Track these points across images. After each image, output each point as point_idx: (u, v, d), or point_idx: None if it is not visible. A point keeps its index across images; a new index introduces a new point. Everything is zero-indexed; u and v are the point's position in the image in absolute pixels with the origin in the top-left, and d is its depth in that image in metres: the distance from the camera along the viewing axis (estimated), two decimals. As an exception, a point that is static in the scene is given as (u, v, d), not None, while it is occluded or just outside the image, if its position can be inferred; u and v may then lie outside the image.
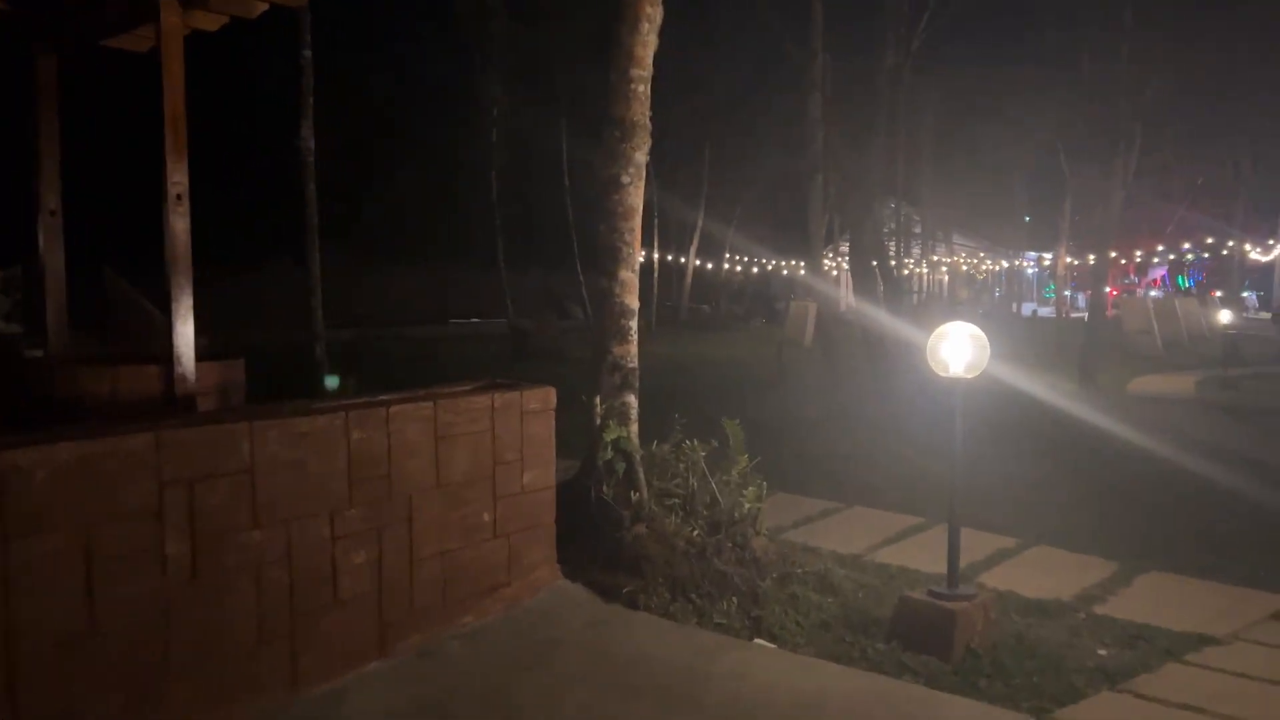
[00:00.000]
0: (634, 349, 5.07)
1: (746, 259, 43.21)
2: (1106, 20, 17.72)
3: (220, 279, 27.32)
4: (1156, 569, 5.62)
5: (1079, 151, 27.68)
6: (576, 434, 5.33)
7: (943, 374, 4.42)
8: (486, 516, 4.30)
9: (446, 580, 4.15)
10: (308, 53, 13.18)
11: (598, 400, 5.12)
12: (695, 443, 5.09)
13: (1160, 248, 33.32)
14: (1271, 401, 14.21)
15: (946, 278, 51.47)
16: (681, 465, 5.04)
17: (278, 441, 3.61)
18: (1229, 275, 39.18)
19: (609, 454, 4.96)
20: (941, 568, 4.56)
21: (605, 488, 4.90)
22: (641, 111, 4.95)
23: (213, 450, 3.44)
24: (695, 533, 4.76)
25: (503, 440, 4.36)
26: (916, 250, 43.22)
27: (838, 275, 37.61)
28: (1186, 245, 31.48)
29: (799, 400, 12.91)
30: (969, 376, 4.39)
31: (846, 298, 25.07)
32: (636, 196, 4.98)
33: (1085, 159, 28.30)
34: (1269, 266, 35.31)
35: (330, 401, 4.07)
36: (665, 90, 7.66)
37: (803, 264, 28.65)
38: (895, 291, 15.88)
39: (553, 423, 4.62)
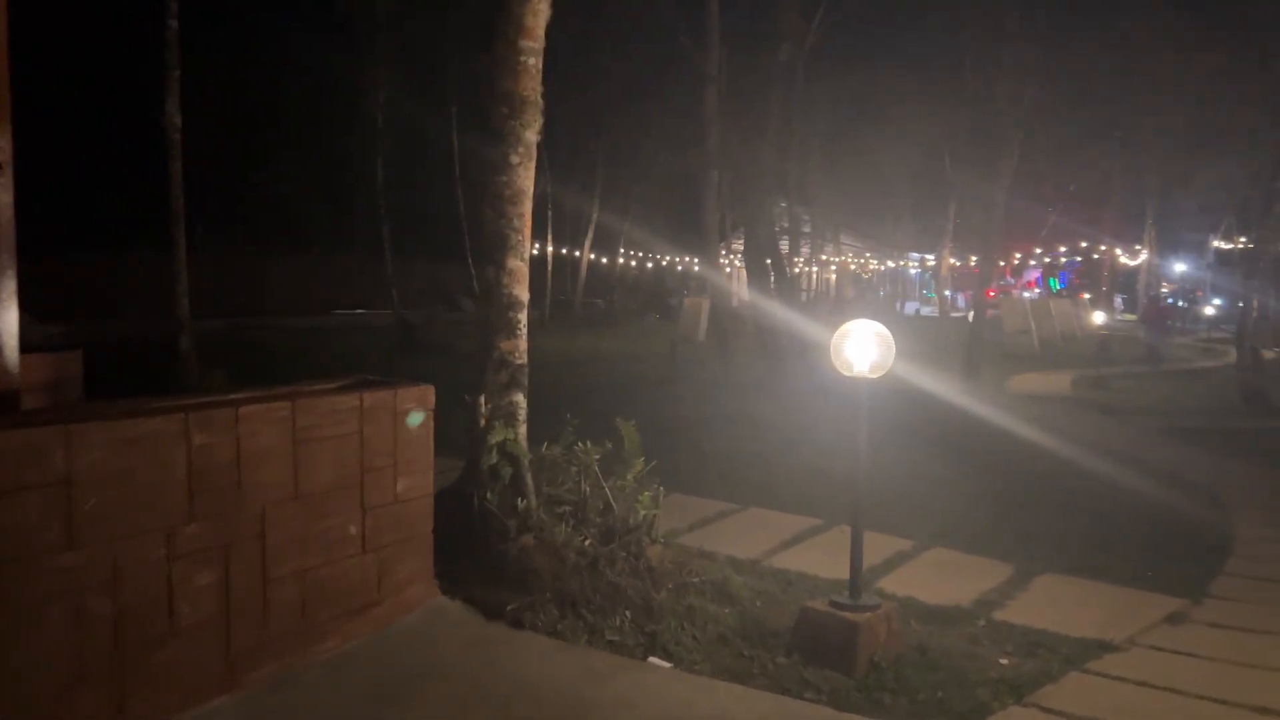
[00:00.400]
0: (523, 344, 4.69)
1: (642, 253, 43.10)
2: (989, 29, 18.15)
3: (83, 264, 25.58)
4: (1051, 571, 5.57)
5: (962, 156, 28.55)
6: (463, 435, 4.93)
7: (846, 373, 4.20)
8: (353, 529, 3.87)
9: (306, 602, 3.71)
10: (174, 23, 12.27)
11: (482, 399, 4.72)
12: (588, 445, 4.74)
13: (1038, 250, 34.71)
14: (1141, 400, 14.79)
15: (834, 277, 52.62)
16: (574, 469, 4.69)
17: (101, 447, 3.10)
18: (1096, 278, 41.18)
19: (494, 458, 4.57)
20: (841, 572, 4.35)
21: (489, 495, 4.52)
22: (531, 86, 4.57)
23: (18, 458, 2.92)
24: (587, 542, 4.42)
25: (373, 444, 3.93)
26: (806, 249, 43.91)
27: (732, 271, 37.85)
28: (1063, 249, 32.87)
29: (695, 398, 12.72)
30: (873, 376, 4.18)
31: (741, 294, 25.15)
32: (526, 179, 4.59)
33: (968, 163, 29.23)
34: (1134, 270, 37.26)
35: (168, 401, 3.56)
36: (559, 81, 7.28)
37: (697, 259, 28.64)
38: (788, 289, 15.90)
39: (431, 424, 4.21)
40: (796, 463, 8.38)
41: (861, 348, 4.16)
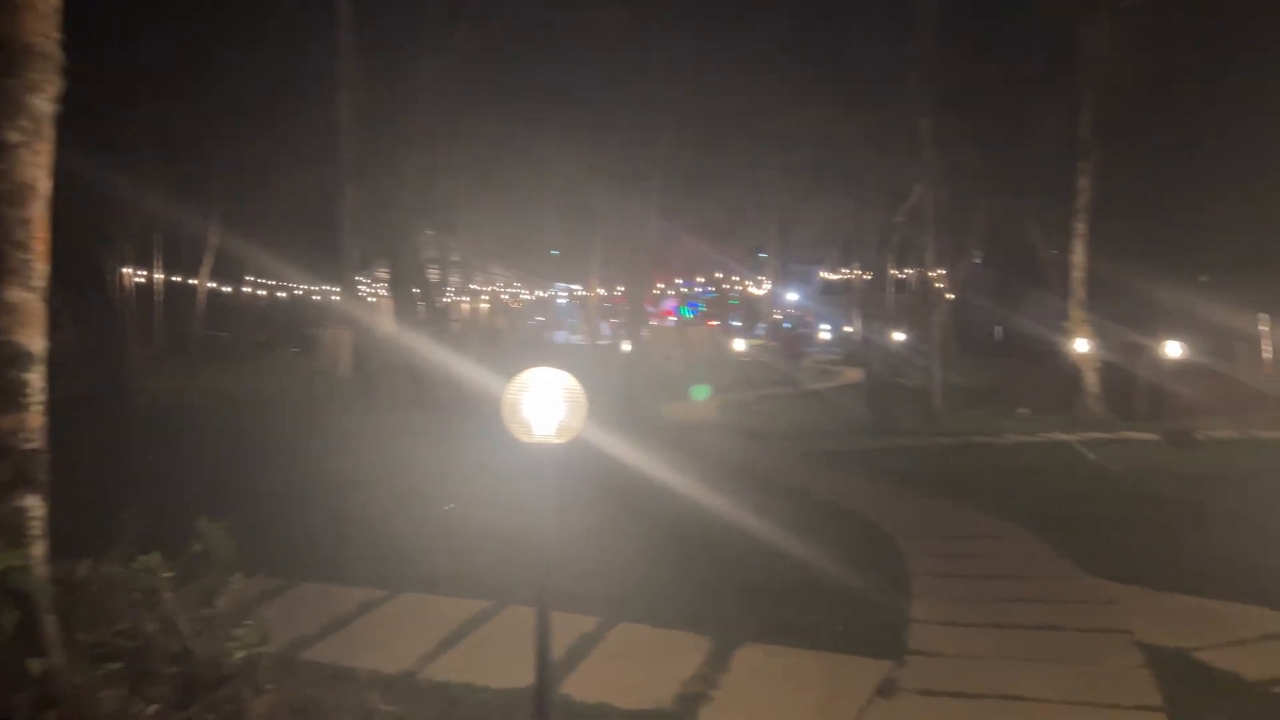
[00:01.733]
0: (34, 419, 3.11)
1: (275, 282, 39.44)
2: (632, 66, 18.36)
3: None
4: (749, 639, 4.94)
5: (608, 188, 29.12)
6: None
7: (526, 439, 3.18)
8: None
9: None
10: None
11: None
12: (157, 556, 3.28)
13: (677, 280, 36.36)
14: (782, 423, 15.41)
15: (485, 307, 52.01)
16: (134, 596, 3.21)
17: None
18: (724, 307, 44.32)
19: (-6, 594, 2.97)
20: (518, 676, 3.34)
21: (-16, 653, 2.91)
22: (41, 29, 3.05)
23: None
24: (153, 709, 2.98)
25: None
26: (456, 278, 42.83)
27: (377, 302, 35.71)
28: (701, 279, 34.64)
29: (335, 449, 11.07)
30: (560, 441, 3.20)
31: (386, 325, 23.47)
32: (34, 168, 3.06)
33: (613, 196, 29.87)
34: (760, 299, 40.55)
35: None
36: (168, 85, 5.61)
37: (338, 288, 26.43)
38: (438, 321, 14.72)
39: None
40: (453, 527, 7.23)
41: (545, 405, 3.16)
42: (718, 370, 26.29)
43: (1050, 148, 24.25)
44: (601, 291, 32.48)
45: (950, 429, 14.37)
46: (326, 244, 16.62)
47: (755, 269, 37.48)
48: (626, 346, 17.41)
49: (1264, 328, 15.97)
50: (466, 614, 5.24)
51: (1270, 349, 15.70)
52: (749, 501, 8.31)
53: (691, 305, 58.78)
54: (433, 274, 24.05)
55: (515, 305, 60.70)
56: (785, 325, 38.79)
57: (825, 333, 36.41)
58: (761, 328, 42.29)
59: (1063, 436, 13.49)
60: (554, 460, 3.20)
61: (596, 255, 27.74)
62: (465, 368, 11.42)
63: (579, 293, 45.58)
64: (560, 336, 48.07)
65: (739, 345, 18.18)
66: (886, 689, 4.33)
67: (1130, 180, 19.54)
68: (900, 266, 33.84)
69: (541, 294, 50.87)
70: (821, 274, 43.19)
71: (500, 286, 49.12)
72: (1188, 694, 4.09)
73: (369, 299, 40.85)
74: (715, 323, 42.76)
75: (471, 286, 44.62)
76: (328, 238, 15.53)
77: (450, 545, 6.62)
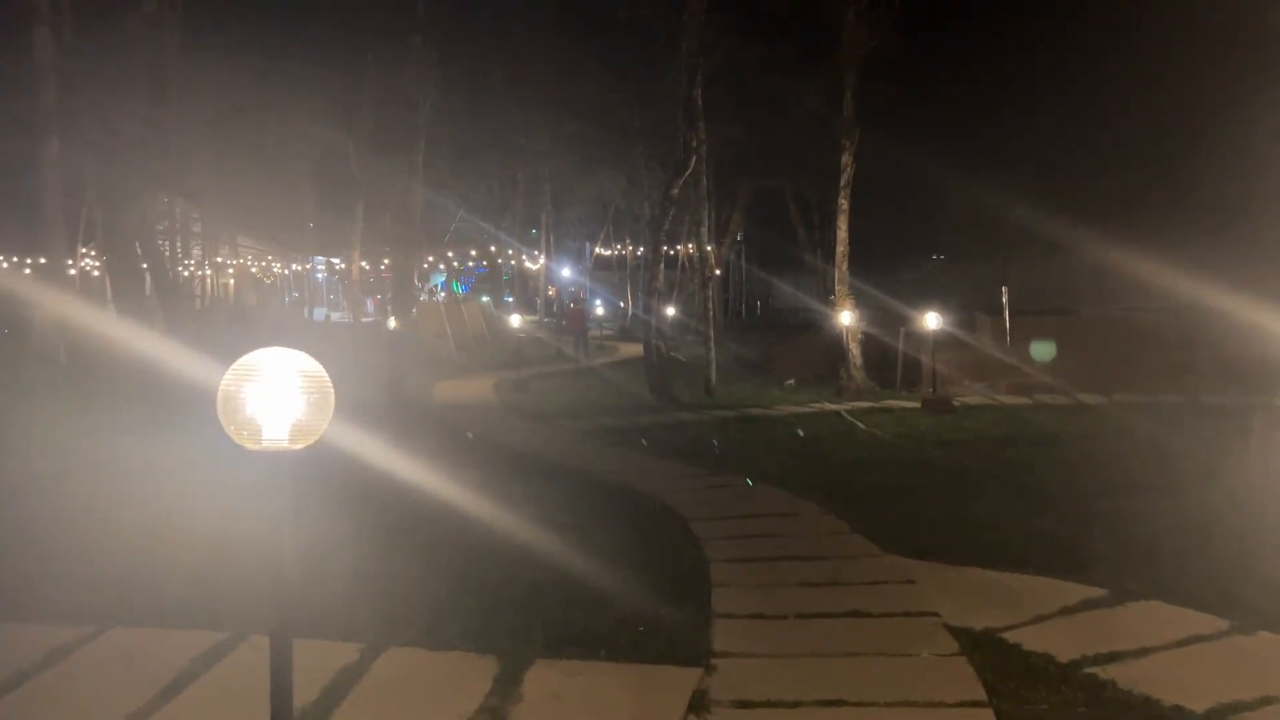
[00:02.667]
0: None
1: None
2: (388, 24, 17.08)
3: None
4: (544, 654, 4.31)
5: (371, 156, 27.30)
6: None
7: (252, 445, 2.36)
8: None
9: None
10: None
11: None
12: None
13: (450, 254, 34.92)
14: (562, 401, 14.88)
15: (233, 282, 48.02)
16: None
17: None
18: (497, 282, 43.25)
19: None
20: None
21: None
22: None
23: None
24: None
25: None
26: (197, 251, 39.02)
27: (101, 276, 31.80)
28: (473, 252, 33.42)
29: (37, 442, 9.35)
30: (298, 447, 2.40)
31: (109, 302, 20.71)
32: None
33: (378, 164, 28.06)
34: (535, 274, 39.81)
35: None
36: None
37: (42, 260, 23.12)
38: (173, 297, 12.97)
39: None
40: (189, 533, 6.07)
41: (276, 399, 2.35)
42: (492, 347, 25.45)
43: (811, 126, 25.28)
44: (364, 266, 30.57)
45: (726, 402, 14.40)
46: (24, 205, 14.23)
47: (530, 244, 36.75)
48: (393, 324, 16.21)
49: (1005, 300, 17.20)
50: (196, 649, 4.26)
51: (1007, 320, 16.92)
52: (532, 492, 7.68)
53: (465, 282, 57.29)
54: (167, 246, 21.56)
55: (268, 280, 56.66)
56: (573, 302, 38.55)
57: (600, 308, 36.38)
58: (539, 302, 41.72)
59: (831, 406, 13.84)
60: (289, 473, 2.40)
61: (359, 227, 25.93)
62: (189, 353, 9.93)
63: (339, 266, 42.97)
64: (320, 313, 45.19)
65: (514, 321, 17.43)
66: (699, 704, 3.84)
67: (881, 164, 20.59)
68: (671, 243, 34.37)
69: (299, 268, 47.57)
70: (595, 249, 43.12)
71: (250, 260, 45.46)
72: (1009, 685, 3.89)
73: (93, 272, 36.56)
74: (485, 298, 41.69)
75: (217, 259, 40.94)
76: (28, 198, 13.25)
77: (179, 560, 5.51)
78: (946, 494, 7.79)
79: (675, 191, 13.64)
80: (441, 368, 20.36)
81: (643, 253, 13.17)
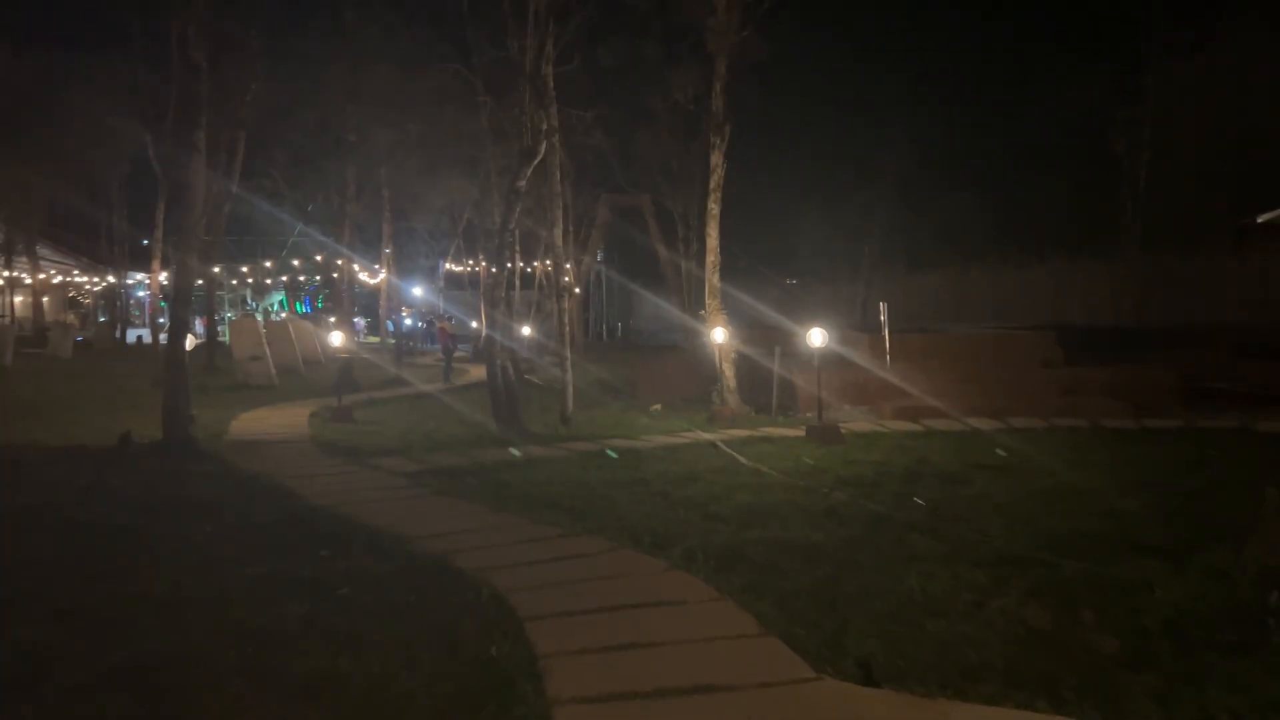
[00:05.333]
0: None
1: None
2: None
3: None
4: None
5: (174, 150, 24.04)
6: None
7: None
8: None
9: None
10: None
11: None
12: None
13: (267, 265, 31.58)
14: (389, 433, 12.49)
15: (46, 299, 42.77)
16: None
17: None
18: (339, 299, 39.82)
19: None
20: None
21: None
22: None
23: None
24: None
25: None
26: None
27: None
28: (295, 262, 30.30)
29: None
30: None
31: None
32: None
33: (180, 162, 24.81)
34: (374, 291, 36.71)
35: None
36: None
37: None
38: None
39: None
40: None
41: None
42: (319, 370, 22.59)
43: (675, 129, 23.81)
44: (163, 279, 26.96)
45: (586, 432, 12.35)
46: None
47: (373, 259, 33.78)
48: (188, 343, 13.35)
49: (883, 317, 15.83)
50: None
51: (887, 339, 15.56)
52: (318, 573, 5.39)
53: (308, 300, 53.29)
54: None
55: (84, 300, 51.17)
56: (447, 318, 35.79)
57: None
58: (365, 321, 38.52)
59: (705, 435, 12.00)
60: None
61: (158, 233, 22.64)
62: None
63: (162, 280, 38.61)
64: (134, 334, 40.58)
65: (336, 339, 14.88)
66: None
67: (739, 184, 19.18)
68: (528, 260, 32.11)
69: (115, 282, 42.47)
70: (446, 265, 40.48)
71: (53, 274, 40.45)
72: None
73: None
74: (333, 317, 38.25)
75: (10, 274, 35.95)
76: None
77: None
78: (868, 556, 5.95)
79: (522, 183, 11.50)
80: (254, 395, 17.49)
81: (484, 259, 11.28)
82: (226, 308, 50.05)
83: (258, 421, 13.87)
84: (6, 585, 4.93)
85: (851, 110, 37.50)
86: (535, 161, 11.28)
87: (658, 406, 15.40)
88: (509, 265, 13.05)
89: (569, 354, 12.96)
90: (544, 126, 11.12)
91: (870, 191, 35.27)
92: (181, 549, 6.01)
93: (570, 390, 12.76)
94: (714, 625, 4.57)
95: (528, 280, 33.47)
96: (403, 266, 50.83)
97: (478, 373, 22.88)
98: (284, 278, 57.11)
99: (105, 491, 7.74)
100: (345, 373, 17.23)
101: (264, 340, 20.44)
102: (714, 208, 14.40)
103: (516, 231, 23.32)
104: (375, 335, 38.38)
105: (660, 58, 18.33)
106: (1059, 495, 7.88)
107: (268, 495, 8.03)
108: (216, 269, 26.39)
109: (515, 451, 10.47)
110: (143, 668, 3.82)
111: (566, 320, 12.74)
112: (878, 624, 4.61)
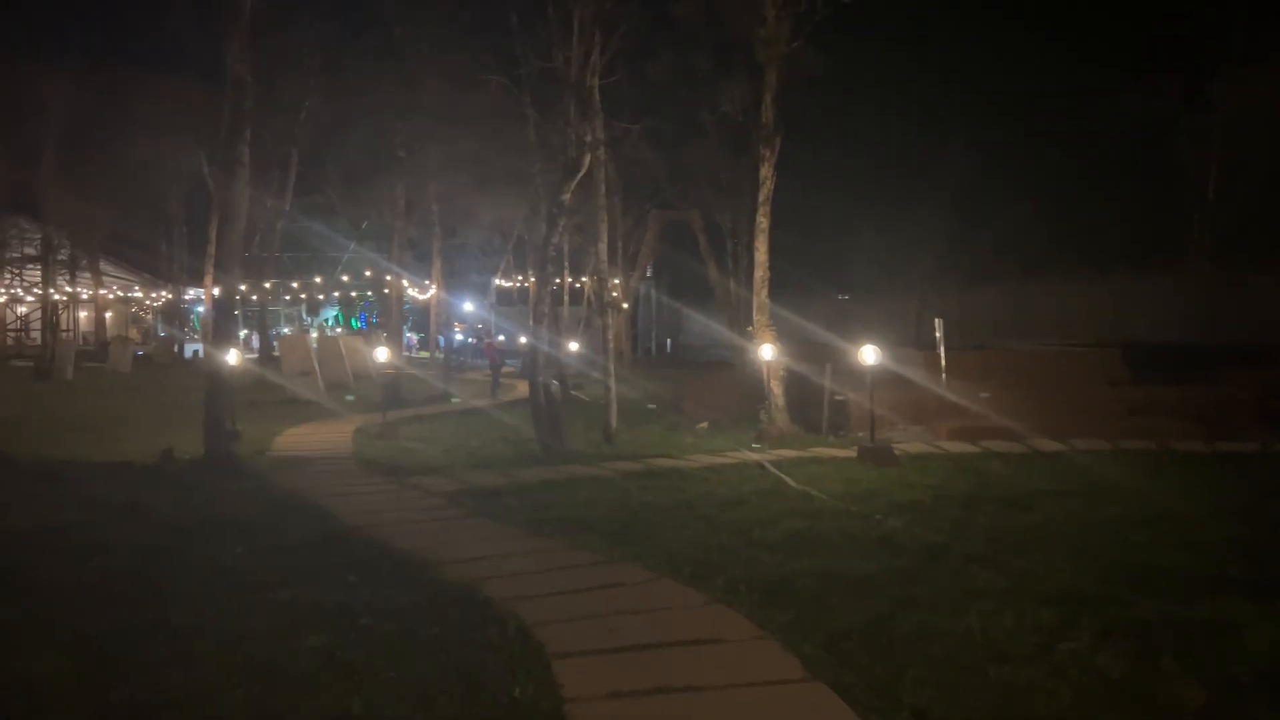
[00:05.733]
0: None
1: None
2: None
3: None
4: None
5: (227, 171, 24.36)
6: None
7: None
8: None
9: None
10: None
11: None
12: None
13: (317, 280, 31.89)
14: (433, 451, 12.33)
15: (106, 315, 43.90)
16: None
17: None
18: (390, 314, 40.09)
19: None
20: None
21: None
22: None
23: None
24: None
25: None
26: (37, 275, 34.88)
27: None
28: (345, 277, 30.53)
29: None
30: None
31: None
32: None
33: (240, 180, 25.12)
34: (425, 306, 36.92)
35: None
36: None
37: None
38: None
39: None
40: None
41: None
42: (369, 385, 22.62)
43: (724, 142, 23.48)
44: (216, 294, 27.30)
45: (629, 450, 12.06)
46: None
47: (424, 274, 33.98)
48: (232, 358, 13.36)
49: (939, 334, 15.32)
50: None
51: (942, 355, 15.04)
52: (343, 600, 5.17)
53: (364, 316, 53.92)
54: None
55: (145, 315, 52.30)
56: (498, 335, 35.95)
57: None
58: (417, 337, 38.69)
59: (753, 455, 11.63)
60: None
61: (210, 248, 22.92)
62: None
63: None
64: (191, 349, 41.28)
65: (381, 355, 14.80)
66: None
67: (790, 194, 18.77)
68: (577, 276, 31.98)
69: (170, 297, 43.28)
70: (496, 281, 40.62)
71: (114, 290, 41.41)
72: None
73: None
74: (385, 333, 38.52)
75: (67, 290, 36.74)
76: None
77: None
78: (924, 590, 5.56)
79: (566, 197, 11.28)
80: (302, 410, 17.52)
81: (533, 274, 11.11)
82: (283, 323, 50.88)
83: (303, 437, 13.84)
84: (18, 609, 4.79)
85: (908, 120, 36.72)
86: (579, 175, 11.08)
87: (704, 424, 15.07)
88: (555, 281, 12.82)
89: (613, 370, 12.69)
90: (588, 139, 10.91)
91: (927, 203, 34.56)
92: (208, 573, 5.85)
93: (614, 408, 12.49)
94: (756, 668, 4.24)
95: (577, 296, 33.35)
96: (454, 282, 51.10)
97: (525, 388, 22.79)
98: (337, 293, 57.97)
99: (140, 510, 7.64)
100: (392, 389, 17.19)
101: (313, 356, 20.54)
102: (763, 221, 14.05)
103: (565, 247, 23.20)
104: (425, 350, 38.54)
105: (709, 69, 18.05)
106: (1129, 525, 7.38)
107: (303, 515, 7.87)
108: (268, 284, 26.63)
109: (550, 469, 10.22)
110: (141, 708, 3.61)
111: (611, 336, 12.47)
112: (935, 669, 4.23)
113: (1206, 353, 19.58)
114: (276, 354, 26.12)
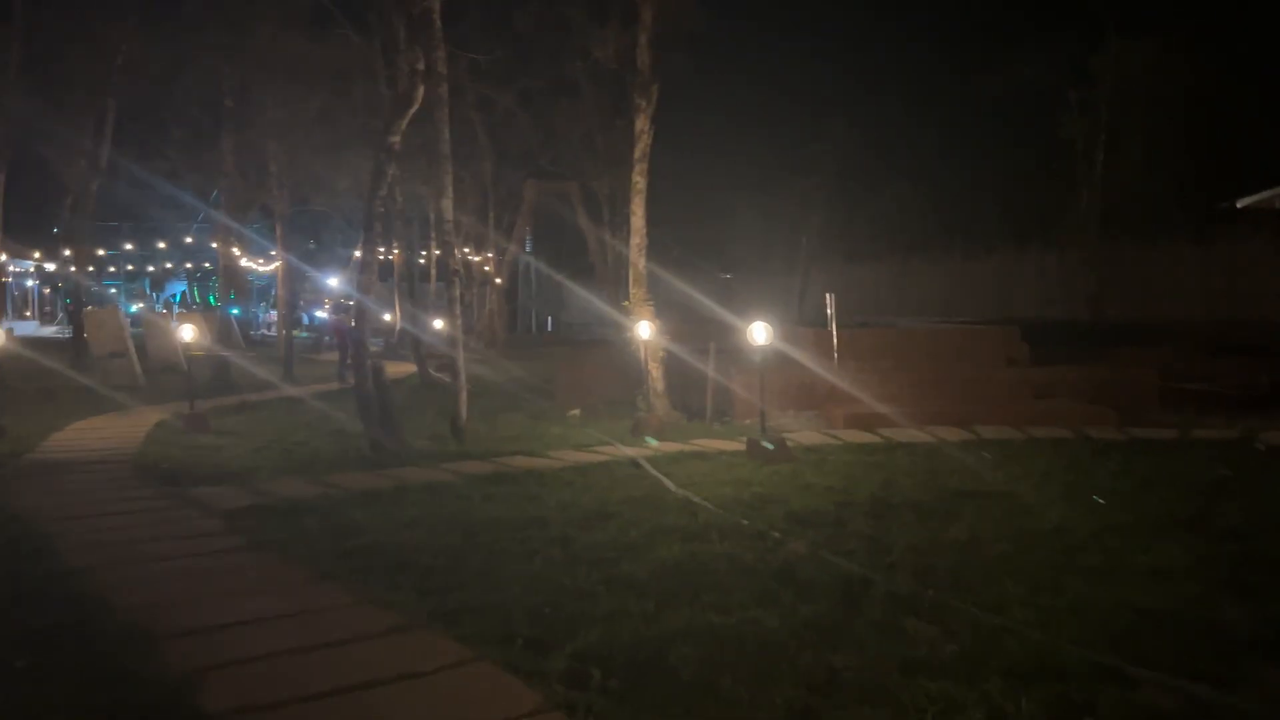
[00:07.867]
0: None
1: None
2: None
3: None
4: None
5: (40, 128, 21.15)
6: None
7: None
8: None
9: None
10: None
11: None
12: None
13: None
14: (243, 448, 10.22)
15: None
16: None
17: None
18: (238, 287, 36.81)
19: None
20: None
21: None
22: None
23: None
24: None
25: None
26: None
27: None
28: (184, 241, 27.39)
29: None
30: None
31: None
32: None
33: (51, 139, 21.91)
34: (269, 278, 33.98)
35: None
36: None
37: None
38: None
39: None
40: None
41: None
42: (210, 370, 19.96)
43: (598, 98, 21.72)
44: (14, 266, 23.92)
45: (482, 447, 10.22)
46: None
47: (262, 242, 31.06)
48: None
49: (830, 310, 13.99)
50: None
51: (834, 335, 13.73)
52: None
53: (173, 286, 49.97)
54: None
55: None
56: (342, 309, 32.93)
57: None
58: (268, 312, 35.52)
59: (627, 450, 9.99)
60: None
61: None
62: None
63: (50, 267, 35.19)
64: (25, 328, 37.04)
65: (186, 334, 12.47)
66: None
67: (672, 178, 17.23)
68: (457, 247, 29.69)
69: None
70: (355, 254, 37.76)
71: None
72: None
73: None
74: (236, 310, 35.29)
75: None
76: None
77: None
78: (848, 660, 4.00)
79: (395, 139, 9.22)
80: (109, 398, 14.92)
81: (362, 239, 9.18)
82: (124, 300, 46.56)
83: (87, 433, 11.45)
84: None
85: (789, 96, 35.81)
86: (411, 110, 9.03)
87: (575, 412, 13.38)
88: (393, 247, 10.81)
89: (461, 347, 10.79)
90: (420, 66, 8.92)
91: (808, 181, 33.73)
92: None
93: (464, 395, 10.61)
94: None
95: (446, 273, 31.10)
96: (322, 256, 47.73)
97: (391, 370, 20.45)
98: (189, 265, 53.54)
99: None
100: (222, 372, 14.87)
101: (127, 335, 17.83)
102: (639, 181, 12.38)
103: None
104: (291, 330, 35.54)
105: (581, 17, 16.22)
106: (1074, 542, 6.05)
107: (8, 553, 5.77)
108: (68, 251, 23.51)
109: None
110: None
111: (458, 310, 10.55)
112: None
113: (1098, 331, 19.09)
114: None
